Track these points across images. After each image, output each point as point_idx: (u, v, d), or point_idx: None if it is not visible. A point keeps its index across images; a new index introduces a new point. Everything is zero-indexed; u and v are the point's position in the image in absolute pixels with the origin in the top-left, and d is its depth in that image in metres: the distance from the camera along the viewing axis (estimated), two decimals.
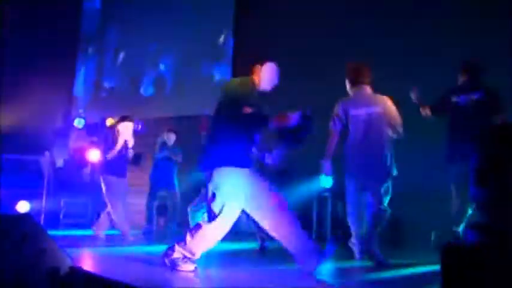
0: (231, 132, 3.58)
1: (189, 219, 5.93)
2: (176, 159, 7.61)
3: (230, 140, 3.55)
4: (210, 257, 5.15)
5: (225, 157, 3.56)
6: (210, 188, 3.62)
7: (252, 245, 5.90)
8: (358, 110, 4.42)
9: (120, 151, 6.45)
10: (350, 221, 4.52)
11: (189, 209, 5.94)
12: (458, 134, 4.40)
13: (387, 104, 4.41)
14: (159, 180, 7.69)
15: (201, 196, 6.14)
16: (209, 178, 3.61)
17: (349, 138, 4.46)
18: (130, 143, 6.65)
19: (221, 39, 9.16)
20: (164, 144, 7.80)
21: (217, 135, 3.66)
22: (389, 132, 4.39)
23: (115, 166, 6.39)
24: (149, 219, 7.69)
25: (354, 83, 4.57)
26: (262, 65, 3.98)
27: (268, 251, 5.44)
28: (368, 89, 4.54)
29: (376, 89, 4.60)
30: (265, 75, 3.97)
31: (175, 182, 7.64)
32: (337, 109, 4.52)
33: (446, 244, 2.25)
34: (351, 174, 4.44)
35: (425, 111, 4.85)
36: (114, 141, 6.48)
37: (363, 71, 4.57)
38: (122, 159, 6.51)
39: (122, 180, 6.45)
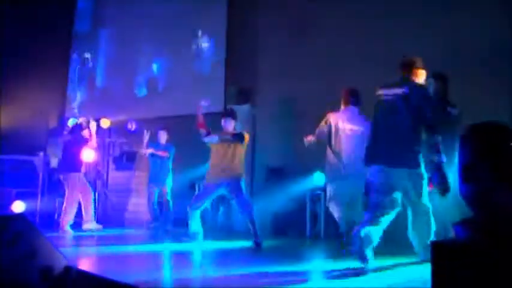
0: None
1: (188, 219, 5.93)
2: (164, 156, 7.57)
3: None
4: (207, 256, 5.18)
5: None
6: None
7: (245, 243, 5.93)
8: (345, 125, 5.13)
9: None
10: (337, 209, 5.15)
11: (188, 208, 5.95)
12: (380, 132, 4.26)
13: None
14: (151, 178, 7.69)
15: (198, 195, 6.13)
16: None
17: (335, 146, 5.13)
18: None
19: (214, 38, 9.16)
20: (154, 141, 7.76)
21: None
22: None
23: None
24: (153, 217, 7.69)
25: (347, 103, 5.25)
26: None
27: (263, 249, 5.46)
28: (356, 110, 5.23)
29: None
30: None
31: (167, 179, 7.62)
32: (328, 117, 5.21)
33: (435, 241, 2.27)
34: (339, 177, 5.07)
35: None
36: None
37: (357, 93, 5.27)
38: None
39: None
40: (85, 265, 3.98)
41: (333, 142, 5.15)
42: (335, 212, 5.20)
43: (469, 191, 2.28)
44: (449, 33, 6.07)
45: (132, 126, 9.04)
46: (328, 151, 5.21)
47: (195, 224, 5.96)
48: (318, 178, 6.52)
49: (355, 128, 5.13)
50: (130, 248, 5.52)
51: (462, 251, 2.21)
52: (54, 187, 8.77)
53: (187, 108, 9.07)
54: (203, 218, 6.86)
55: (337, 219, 5.23)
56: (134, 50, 10.32)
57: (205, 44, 9.22)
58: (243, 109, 8.14)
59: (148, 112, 9.43)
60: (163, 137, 7.72)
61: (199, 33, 9.32)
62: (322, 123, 5.25)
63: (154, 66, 10.12)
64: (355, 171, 4.89)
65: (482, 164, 2.19)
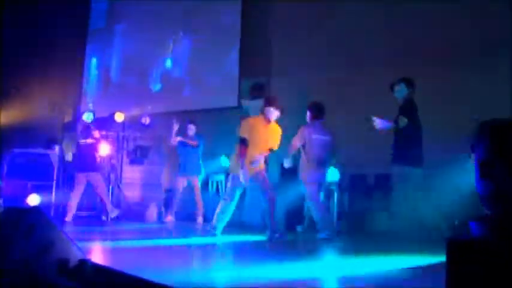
0: None
1: (218, 212, 5.83)
2: (193, 145, 7.80)
3: None
4: (219, 250, 5.20)
5: None
6: None
7: (256, 237, 5.94)
8: (316, 136, 6.00)
9: None
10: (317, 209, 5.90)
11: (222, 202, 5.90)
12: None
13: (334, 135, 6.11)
14: (181, 170, 7.97)
15: (231, 190, 5.94)
16: None
17: (309, 153, 5.97)
18: None
19: (228, 33, 9.14)
20: (183, 132, 7.97)
21: None
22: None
23: None
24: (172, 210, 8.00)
25: (315, 117, 6.11)
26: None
27: (277, 243, 5.46)
28: (323, 123, 6.12)
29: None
30: None
31: (197, 170, 7.91)
32: (303, 131, 6.01)
33: (450, 237, 2.25)
34: (314, 179, 5.96)
35: None
36: None
37: (323, 109, 6.12)
38: None
39: None
40: (100, 258, 4.02)
41: (307, 151, 5.98)
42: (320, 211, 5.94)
43: (485, 187, 2.26)
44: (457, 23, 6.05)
45: (146, 120, 9.09)
46: (303, 159, 6.03)
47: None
48: (331, 174, 6.51)
49: (324, 138, 6.03)
50: (145, 242, 5.55)
51: (477, 249, 2.19)
52: (69, 180, 8.85)
53: (201, 103, 9.12)
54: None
55: (314, 218, 5.98)
56: (149, 45, 10.36)
57: (219, 39, 9.21)
58: (256, 104, 8.13)
59: (163, 106, 9.47)
60: (191, 130, 7.93)
61: (213, 28, 9.31)
62: (297, 136, 6.00)
63: (169, 61, 10.14)
64: (325, 174, 6.11)
65: (498, 161, 2.17)
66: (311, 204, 6.01)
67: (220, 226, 5.85)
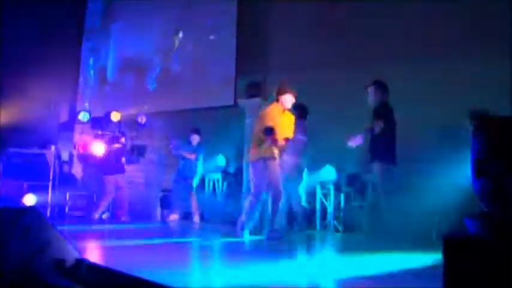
0: None
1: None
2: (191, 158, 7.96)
3: None
4: (220, 250, 5.19)
5: None
6: None
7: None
8: (298, 136, 6.02)
9: None
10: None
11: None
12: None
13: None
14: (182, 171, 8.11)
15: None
16: None
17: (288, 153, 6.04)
18: None
19: (224, 31, 9.13)
20: (189, 143, 8.08)
21: None
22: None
23: None
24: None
25: (299, 117, 6.15)
26: None
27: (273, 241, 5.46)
28: (304, 122, 6.32)
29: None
30: None
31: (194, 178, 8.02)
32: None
33: (447, 235, 2.24)
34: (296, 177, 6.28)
35: None
36: None
37: (306, 109, 6.40)
38: None
39: None
40: (96, 258, 4.01)
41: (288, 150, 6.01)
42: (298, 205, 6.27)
43: (481, 185, 2.26)
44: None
45: (142, 119, 9.08)
46: (285, 157, 6.07)
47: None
48: (327, 172, 6.53)
49: (304, 138, 6.28)
50: (142, 241, 5.54)
51: (474, 246, 2.19)
52: (66, 180, 8.84)
53: (197, 101, 9.11)
54: (214, 210, 6.94)
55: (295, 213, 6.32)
56: (145, 44, 10.34)
57: (215, 37, 9.20)
58: (253, 102, 8.12)
59: (159, 106, 9.46)
60: (195, 140, 8.05)
61: (210, 26, 9.30)
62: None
63: (165, 60, 10.13)
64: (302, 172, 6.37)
65: (495, 159, 2.17)
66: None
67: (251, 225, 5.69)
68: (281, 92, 5.65)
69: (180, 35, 9.81)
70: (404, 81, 6.24)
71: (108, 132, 9.23)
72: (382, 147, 5.49)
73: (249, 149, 5.78)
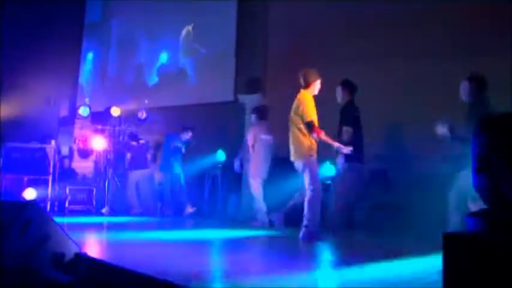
0: None
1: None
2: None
3: None
4: (218, 245, 5.20)
5: None
6: None
7: (254, 232, 5.94)
8: (263, 136, 6.81)
9: None
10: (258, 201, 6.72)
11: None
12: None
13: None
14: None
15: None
16: None
17: (257, 151, 6.80)
18: None
19: (224, 27, 9.10)
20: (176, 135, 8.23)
21: None
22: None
23: None
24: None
25: (261, 119, 6.97)
26: None
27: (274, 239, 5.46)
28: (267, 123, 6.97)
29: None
30: None
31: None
32: (251, 133, 6.90)
33: (447, 233, 2.24)
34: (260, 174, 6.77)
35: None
36: None
37: (267, 111, 7.03)
38: None
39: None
40: (96, 252, 4.01)
41: (255, 149, 6.79)
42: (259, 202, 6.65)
43: (482, 182, 2.25)
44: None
45: (142, 114, 9.07)
46: (251, 155, 6.84)
47: None
48: (327, 169, 6.52)
49: (269, 138, 6.82)
50: (141, 235, 5.54)
51: (474, 243, 2.18)
52: (65, 175, 8.84)
53: (197, 97, 9.10)
54: (214, 207, 6.94)
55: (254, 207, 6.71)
56: (145, 39, 10.33)
57: (215, 33, 9.17)
58: (253, 99, 8.12)
59: (159, 101, 9.44)
60: (186, 135, 8.16)
61: (210, 21, 9.27)
62: (249, 136, 6.88)
63: (165, 55, 10.11)
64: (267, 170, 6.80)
65: (496, 155, 2.16)
66: (254, 195, 6.73)
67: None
68: (315, 77, 5.29)
69: (180, 30, 9.79)
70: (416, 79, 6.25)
71: (108, 127, 9.24)
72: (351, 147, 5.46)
73: (295, 145, 5.22)
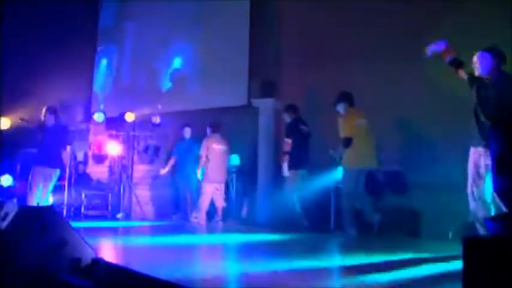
0: None
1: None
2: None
3: None
4: (234, 250, 5.18)
5: None
6: None
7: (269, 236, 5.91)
8: (216, 146, 7.56)
9: None
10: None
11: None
12: None
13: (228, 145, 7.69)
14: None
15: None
16: None
17: (210, 160, 7.49)
18: None
19: (237, 30, 9.10)
20: (182, 138, 8.22)
21: None
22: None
23: None
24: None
25: (213, 131, 7.68)
26: None
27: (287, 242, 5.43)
28: (220, 135, 7.68)
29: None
30: None
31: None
32: (205, 144, 7.56)
33: (467, 236, 2.21)
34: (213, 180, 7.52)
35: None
36: None
37: (220, 125, 7.74)
38: None
39: None
40: (112, 257, 4.02)
41: (210, 157, 7.49)
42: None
43: (502, 183, 2.22)
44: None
45: (156, 119, 9.10)
46: (207, 163, 7.49)
47: None
48: (337, 172, 6.53)
49: (222, 147, 7.60)
50: (157, 240, 5.55)
51: (494, 246, 2.15)
52: (81, 180, 8.90)
53: (211, 102, 9.10)
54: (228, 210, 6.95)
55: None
56: (158, 44, 10.36)
57: (228, 37, 9.18)
58: (266, 102, 8.12)
59: (173, 106, 9.47)
60: (187, 133, 8.25)
61: (223, 25, 9.28)
62: (203, 148, 7.53)
63: (178, 60, 10.14)
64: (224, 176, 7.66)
65: None
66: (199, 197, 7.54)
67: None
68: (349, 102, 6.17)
69: (193, 34, 9.81)
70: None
71: (123, 132, 9.29)
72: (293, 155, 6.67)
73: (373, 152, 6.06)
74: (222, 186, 7.62)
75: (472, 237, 2.20)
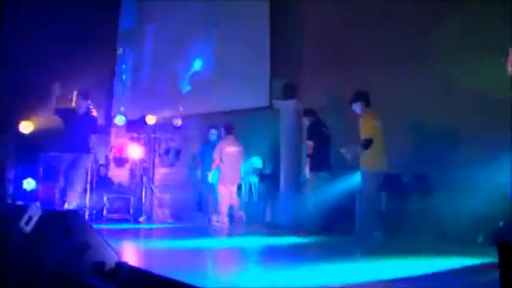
0: None
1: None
2: None
3: None
4: (258, 253, 5.14)
5: None
6: None
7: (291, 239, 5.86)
8: (229, 148, 7.61)
9: None
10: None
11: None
12: None
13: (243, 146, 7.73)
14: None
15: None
16: None
17: (224, 162, 7.56)
18: None
19: (258, 32, 9.06)
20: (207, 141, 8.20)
21: None
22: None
23: None
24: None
25: (227, 133, 7.73)
26: None
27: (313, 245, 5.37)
28: (233, 137, 7.74)
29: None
30: None
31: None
32: (218, 146, 7.62)
33: (503, 241, 2.14)
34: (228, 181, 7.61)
35: None
36: None
37: (233, 127, 7.77)
38: None
39: None
40: (136, 261, 4.00)
41: (223, 159, 7.52)
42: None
43: None
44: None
45: (178, 122, 9.10)
46: (221, 165, 7.54)
47: None
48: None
49: (236, 149, 7.62)
50: (179, 243, 5.53)
51: None
52: (103, 183, 8.95)
53: (232, 103, 9.08)
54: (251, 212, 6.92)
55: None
56: (178, 46, 10.38)
57: (249, 38, 9.15)
58: (288, 104, 8.07)
59: (194, 108, 9.47)
60: (213, 134, 8.20)
61: (243, 27, 9.26)
62: (216, 151, 7.58)
63: (199, 62, 10.14)
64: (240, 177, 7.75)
65: None
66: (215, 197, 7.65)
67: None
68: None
69: (214, 36, 9.81)
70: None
71: (144, 135, 9.32)
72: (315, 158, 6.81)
73: (365, 156, 5.95)
74: (235, 188, 7.65)
75: (507, 242, 2.13)
